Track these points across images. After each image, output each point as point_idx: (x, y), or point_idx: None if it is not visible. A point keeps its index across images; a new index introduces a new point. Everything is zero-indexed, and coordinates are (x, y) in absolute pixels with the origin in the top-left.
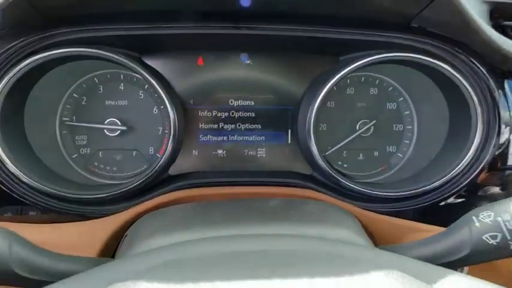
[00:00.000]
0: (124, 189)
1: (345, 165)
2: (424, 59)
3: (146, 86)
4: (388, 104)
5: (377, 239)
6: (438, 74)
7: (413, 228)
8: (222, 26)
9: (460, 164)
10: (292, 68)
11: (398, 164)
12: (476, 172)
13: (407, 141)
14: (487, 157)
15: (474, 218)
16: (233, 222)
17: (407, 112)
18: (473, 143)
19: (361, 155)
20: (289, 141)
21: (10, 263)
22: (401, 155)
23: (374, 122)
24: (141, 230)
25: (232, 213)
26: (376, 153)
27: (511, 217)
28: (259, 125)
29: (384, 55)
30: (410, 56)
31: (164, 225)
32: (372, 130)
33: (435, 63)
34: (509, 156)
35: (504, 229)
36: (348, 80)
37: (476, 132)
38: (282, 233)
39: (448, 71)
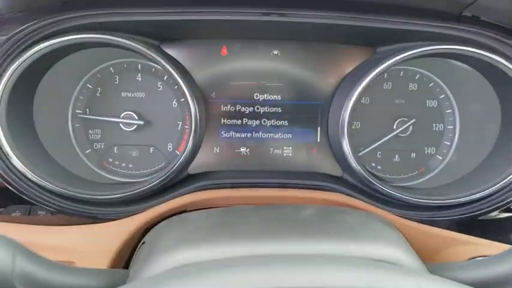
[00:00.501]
0: (140, 189)
1: (379, 167)
2: (476, 52)
3: (165, 77)
4: (428, 101)
5: (414, 251)
6: (491, 68)
7: (455, 240)
8: (251, 12)
9: None
10: (324, 60)
11: (438, 167)
12: None
13: (447, 143)
14: None
15: None
16: (265, 237)
17: (449, 111)
18: None
19: (397, 156)
20: (319, 140)
21: (13, 279)
22: (440, 158)
23: (413, 120)
24: (162, 240)
25: (263, 225)
26: (413, 155)
27: None
28: (286, 122)
29: (430, 47)
30: (461, 49)
31: (188, 236)
32: (410, 130)
33: (490, 57)
34: None
35: None
36: (386, 74)
37: None
38: (323, 251)
39: (505, 65)
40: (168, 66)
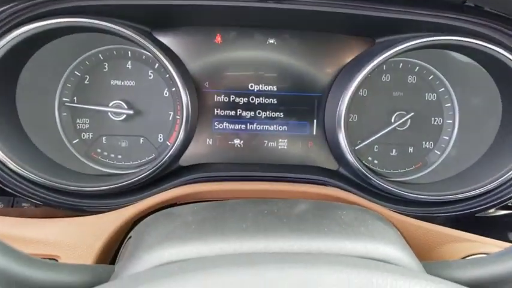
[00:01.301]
0: (129, 181)
1: (376, 161)
2: (479, 44)
3: (156, 65)
4: (427, 94)
5: (412, 248)
6: (493, 60)
7: (452, 236)
8: None
9: None
10: (321, 50)
11: (436, 162)
12: None
13: (446, 137)
14: None
15: None
16: (255, 234)
17: (448, 104)
18: None
19: (394, 150)
20: (314, 133)
21: None
22: (439, 152)
23: (412, 114)
24: (147, 235)
25: (253, 221)
26: (411, 149)
27: None
28: (281, 113)
29: (431, 38)
30: (464, 41)
31: (174, 232)
32: (408, 123)
33: (492, 49)
34: None
35: None
36: (384, 66)
37: None
38: (315, 249)
39: (508, 58)
40: (159, 54)
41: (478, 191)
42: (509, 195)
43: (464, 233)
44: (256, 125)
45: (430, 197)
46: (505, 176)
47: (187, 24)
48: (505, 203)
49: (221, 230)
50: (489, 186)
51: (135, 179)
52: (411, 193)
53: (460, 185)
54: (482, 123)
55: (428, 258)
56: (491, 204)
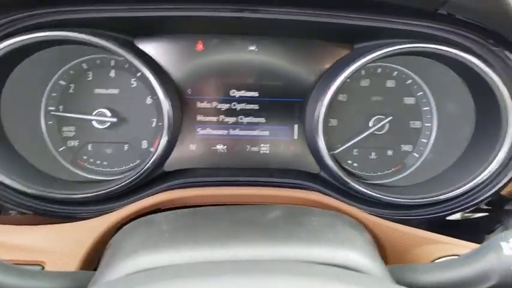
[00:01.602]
0: (114, 187)
1: (355, 164)
2: (451, 52)
3: (139, 73)
4: (406, 98)
5: (387, 250)
6: (466, 68)
7: (426, 238)
8: (224, 8)
9: (487, 171)
10: (301, 56)
11: (414, 165)
12: (505, 181)
13: (424, 140)
14: None
15: (503, 244)
16: (225, 242)
17: (427, 108)
18: (502, 146)
19: (373, 153)
20: (296, 137)
21: None
22: (417, 155)
23: (390, 118)
24: (124, 242)
25: (225, 229)
26: (390, 152)
27: None
28: (263, 119)
29: (406, 46)
30: (435, 48)
31: (148, 240)
32: (387, 127)
33: (464, 57)
34: None
35: None
36: (363, 71)
37: (506, 134)
38: (283, 256)
39: (478, 66)
40: (139, 64)
41: (451, 194)
42: (481, 198)
43: (437, 235)
44: (239, 130)
45: (406, 200)
46: (476, 179)
47: (169, 33)
48: (477, 206)
49: (193, 238)
50: (462, 190)
51: (120, 185)
52: (388, 196)
53: (435, 188)
54: (458, 128)
55: (403, 261)
56: (464, 206)
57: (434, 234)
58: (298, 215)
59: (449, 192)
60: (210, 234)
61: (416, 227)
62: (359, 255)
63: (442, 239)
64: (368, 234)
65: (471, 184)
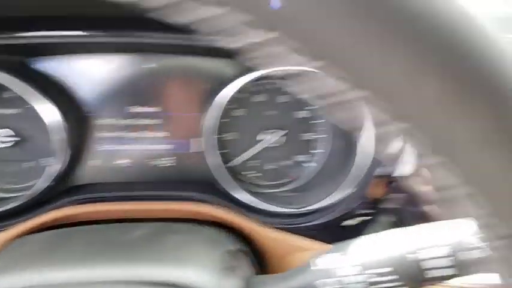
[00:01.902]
0: (13, 204)
1: (251, 176)
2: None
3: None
4: (300, 112)
5: (268, 258)
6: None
7: (298, 246)
8: (90, 35)
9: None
10: (197, 72)
11: (308, 175)
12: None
13: (319, 151)
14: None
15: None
16: (81, 262)
17: (321, 121)
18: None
19: (269, 165)
20: (196, 150)
21: None
22: (312, 166)
23: (286, 132)
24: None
25: (87, 249)
26: (285, 164)
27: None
28: (163, 133)
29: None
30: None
31: (16, 260)
32: (282, 140)
33: None
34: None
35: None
36: (257, 87)
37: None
38: (130, 277)
39: None
40: (23, 93)
41: (329, 202)
42: (353, 205)
43: (310, 242)
44: (141, 145)
45: (291, 210)
46: (349, 189)
47: (64, 53)
48: (355, 213)
49: (53, 259)
50: (335, 199)
51: (19, 202)
52: (276, 206)
53: (316, 197)
54: (344, 139)
55: (280, 269)
56: (340, 214)
57: (307, 241)
58: (161, 233)
59: (329, 200)
60: (70, 255)
61: (308, 235)
62: (199, 274)
63: (315, 246)
64: (231, 247)
65: (347, 192)
